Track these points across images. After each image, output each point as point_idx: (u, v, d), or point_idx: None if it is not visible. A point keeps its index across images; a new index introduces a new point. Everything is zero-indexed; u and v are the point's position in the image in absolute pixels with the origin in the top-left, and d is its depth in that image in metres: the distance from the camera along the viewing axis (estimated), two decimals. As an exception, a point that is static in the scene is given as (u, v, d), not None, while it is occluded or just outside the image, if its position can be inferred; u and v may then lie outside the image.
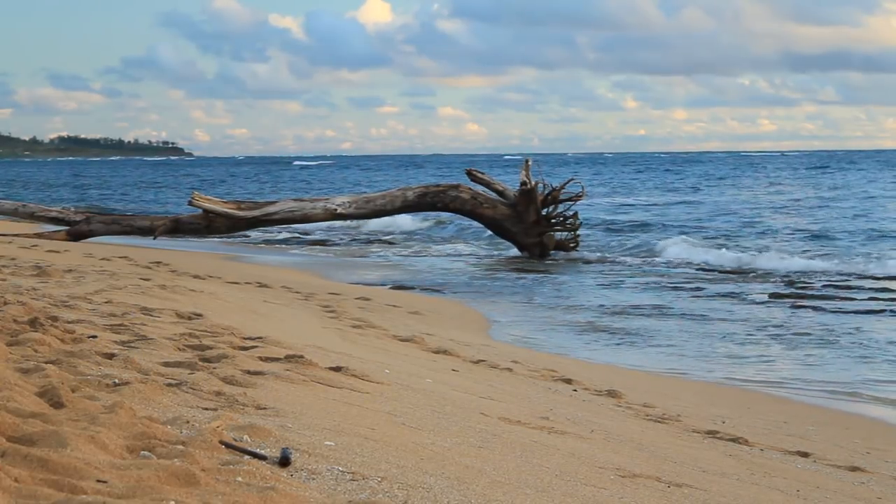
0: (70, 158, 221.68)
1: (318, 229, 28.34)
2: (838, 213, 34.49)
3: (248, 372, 5.34)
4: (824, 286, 17.27)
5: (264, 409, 4.47)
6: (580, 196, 22.41)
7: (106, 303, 8.38)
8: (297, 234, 27.70)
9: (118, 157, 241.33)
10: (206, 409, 4.30)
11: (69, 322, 6.50)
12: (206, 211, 21.36)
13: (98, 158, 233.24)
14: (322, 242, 26.57)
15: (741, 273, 19.61)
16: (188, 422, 3.95)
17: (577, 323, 13.51)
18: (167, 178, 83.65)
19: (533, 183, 21.90)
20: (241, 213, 21.40)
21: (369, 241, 26.95)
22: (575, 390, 8.12)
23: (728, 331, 12.96)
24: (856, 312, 14.33)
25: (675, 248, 23.55)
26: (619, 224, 31.50)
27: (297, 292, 13.28)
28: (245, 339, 6.89)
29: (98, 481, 3.00)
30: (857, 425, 8.33)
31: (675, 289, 17.15)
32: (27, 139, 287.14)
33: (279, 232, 27.57)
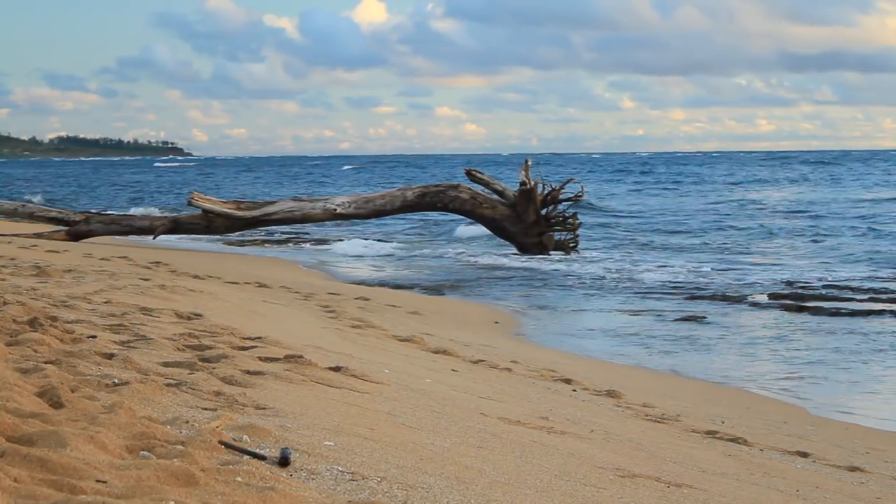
0: (71, 160, 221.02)
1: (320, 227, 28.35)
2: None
3: (248, 372, 5.34)
4: (825, 287, 17.27)
5: (264, 409, 4.46)
6: (579, 196, 22.47)
7: (105, 303, 8.37)
8: (298, 234, 27.70)
9: (119, 157, 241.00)
10: (206, 409, 4.30)
11: (69, 322, 6.49)
12: (205, 211, 21.35)
13: (106, 159, 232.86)
14: (323, 241, 26.57)
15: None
16: (188, 422, 3.94)
17: (576, 323, 13.52)
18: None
19: (532, 183, 21.91)
20: (240, 214, 21.40)
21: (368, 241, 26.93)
22: (574, 390, 8.12)
23: (728, 331, 12.96)
24: (855, 313, 14.34)
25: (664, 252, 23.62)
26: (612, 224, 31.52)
27: (297, 292, 13.27)
28: (244, 339, 6.88)
29: (98, 481, 3.00)
30: (857, 425, 8.34)
31: (676, 289, 17.15)
32: (26, 139, 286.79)
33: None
